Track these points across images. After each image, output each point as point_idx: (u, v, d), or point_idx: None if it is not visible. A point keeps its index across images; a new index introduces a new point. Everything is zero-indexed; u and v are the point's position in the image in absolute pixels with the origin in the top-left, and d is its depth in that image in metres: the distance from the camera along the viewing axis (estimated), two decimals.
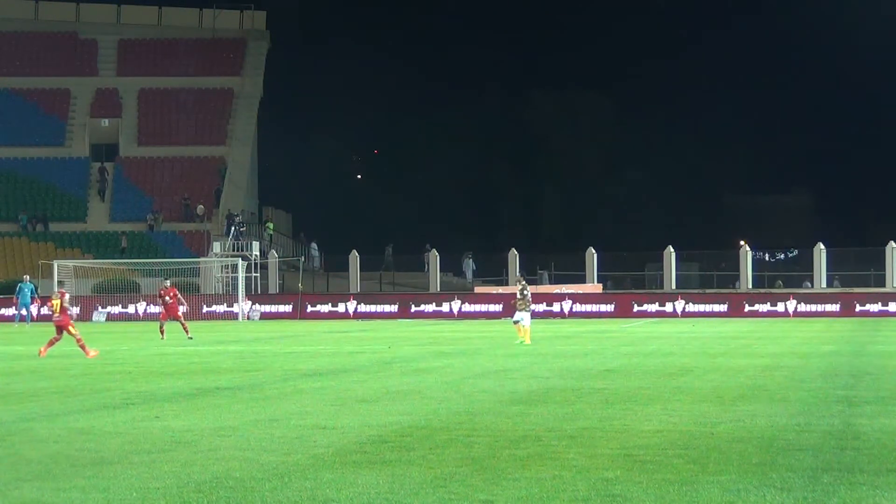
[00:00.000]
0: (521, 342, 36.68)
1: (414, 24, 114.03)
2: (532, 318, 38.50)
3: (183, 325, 43.13)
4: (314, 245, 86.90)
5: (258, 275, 74.22)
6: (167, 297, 43.85)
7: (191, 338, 41.97)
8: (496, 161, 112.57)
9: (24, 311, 61.26)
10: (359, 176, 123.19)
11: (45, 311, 46.76)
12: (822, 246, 71.83)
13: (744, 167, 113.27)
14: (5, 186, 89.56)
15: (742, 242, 77.79)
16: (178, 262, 73.47)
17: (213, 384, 23.16)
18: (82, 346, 31.63)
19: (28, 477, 12.55)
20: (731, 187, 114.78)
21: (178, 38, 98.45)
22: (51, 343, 32.41)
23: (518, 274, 39.96)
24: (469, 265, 79.61)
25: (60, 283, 36.93)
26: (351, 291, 72.52)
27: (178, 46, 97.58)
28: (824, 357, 30.07)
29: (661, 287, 72.98)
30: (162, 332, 43.20)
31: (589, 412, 17.74)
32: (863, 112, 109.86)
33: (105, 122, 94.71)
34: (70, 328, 32.13)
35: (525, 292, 37.31)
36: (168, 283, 46.76)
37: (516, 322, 37.44)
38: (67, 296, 33.69)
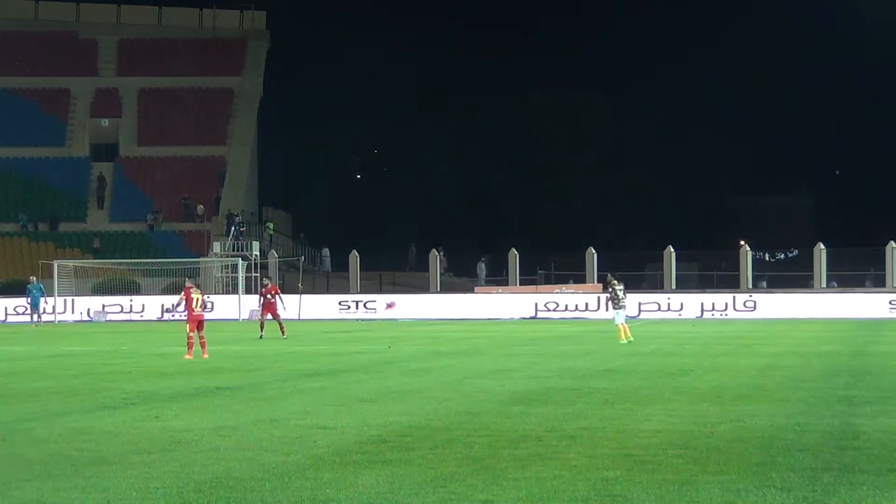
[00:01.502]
0: (629, 340, 36.36)
1: (414, 25, 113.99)
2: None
3: (280, 324, 43.30)
4: (325, 250, 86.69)
5: (258, 275, 74.17)
6: (268, 296, 43.94)
7: (286, 338, 42.04)
8: (496, 161, 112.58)
9: (35, 312, 61.55)
10: (358, 176, 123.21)
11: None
12: (822, 246, 71.82)
13: (744, 167, 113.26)
14: (5, 186, 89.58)
15: (742, 242, 77.78)
16: (178, 262, 73.45)
17: (213, 384, 23.16)
18: (190, 346, 31.23)
19: (28, 477, 12.55)
20: (731, 187, 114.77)
21: (178, 38, 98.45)
22: (201, 343, 31.43)
23: (610, 275, 40.13)
24: (482, 269, 79.62)
25: (192, 279, 37.22)
26: (351, 291, 72.54)
27: (178, 46, 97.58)
28: (824, 357, 30.07)
29: (662, 287, 72.98)
30: (262, 328, 43.50)
31: (589, 412, 17.74)
32: (863, 112, 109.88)
33: (105, 122, 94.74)
34: (202, 328, 31.51)
35: (619, 293, 37.22)
36: (269, 281, 47.11)
37: (619, 324, 37.23)
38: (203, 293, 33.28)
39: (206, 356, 31.28)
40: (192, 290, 32.24)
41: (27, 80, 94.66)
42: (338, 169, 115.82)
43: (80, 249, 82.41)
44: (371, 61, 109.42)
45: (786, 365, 27.07)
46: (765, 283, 75.29)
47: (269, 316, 43.77)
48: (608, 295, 37.45)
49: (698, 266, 79.67)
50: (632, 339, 37.05)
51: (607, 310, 37.74)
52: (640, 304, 65.60)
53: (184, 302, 32.27)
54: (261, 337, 42.53)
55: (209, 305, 32.93)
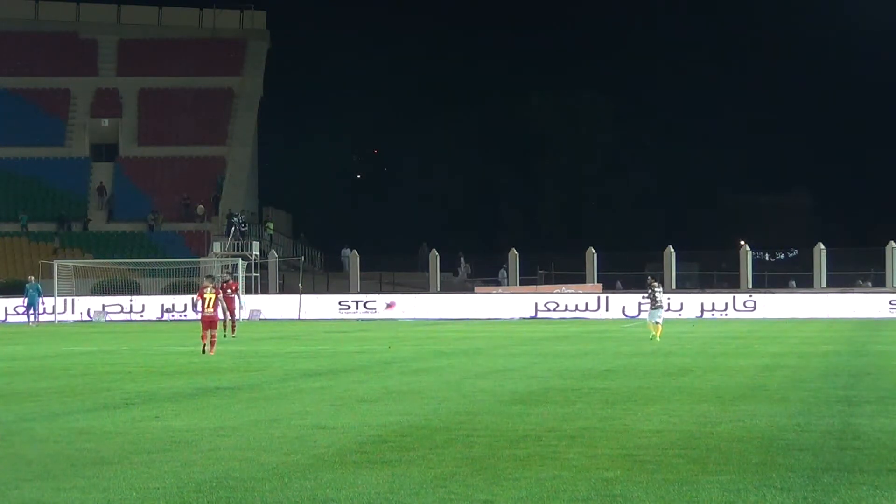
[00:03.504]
0: (653, 338, 38.25)
1: (414, 24, 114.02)
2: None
3: (234, 322, 43.35)
4: (346, 250, 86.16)
5: (258, 275, 74.23)
6: (228, 291, 44.02)
7: (234, 337, 42.20)
8: (496, 161, 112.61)
9: (31, 312, 61.61)
10: (359, 176, 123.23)
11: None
12: (822, 246, 71.82)
13: (744, 167, 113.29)
14: (5, 186, 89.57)
15: (742, 242, 77.79)
16: (178, 261, 73.49)
17: (213, 384, 23.15)
18: (208, 343, 31.95)
19: (28, 477, 12.54)
20: (731, 187, 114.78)
21: (178, 38, 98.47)
22: (211, 341, 32.24)
23: (651, 277, 44.46)
24: (504, 275, 79.57)
25: (210, 277, 37.90)
26: (351, 291, 72.53)
27: (178, 46, 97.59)
28: (824, 357, 30.07)
29: (662, 287, 72.91)
30: (225, 328, 43.21)
31: (589, 412, 17.74)
32: (863, 111, 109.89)
33: (105, 122, 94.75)
34: (216, 327, 32.37)
35: (656, 294, 39.50)
36: (230, 277, 47.18)
37: (656, 322, 39.33)
38: (221, 293, 34.03)
39: (210, 353, 31.85)
40: (205, 291, 32.87)
41: (27, 80, 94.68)
42: (338, 169, 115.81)
43: (80, 249, 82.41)
44: (371, 61, 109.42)
45: (786, 365, 27.06)
46: (794, 283, 74.80)
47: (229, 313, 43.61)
48: (646, 294, 40.55)
49: (698, 266, 79.69)
50: (657, 339, 38.06)
51: (644, 309, 39.76)
52: (640, 304, 65.65)
53: (199, 302, 32.97)
54: (224, 336, 42.28)
55: (221, 305, 33.59)
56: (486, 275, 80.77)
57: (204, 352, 31.89)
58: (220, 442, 14.88)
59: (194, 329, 45.63)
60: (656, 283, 40.54)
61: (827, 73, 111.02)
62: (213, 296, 32.60)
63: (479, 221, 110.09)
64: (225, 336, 41.74)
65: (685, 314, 64.11)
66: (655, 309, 39.41)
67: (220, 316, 33.56)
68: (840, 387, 21.50)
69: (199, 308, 32.85)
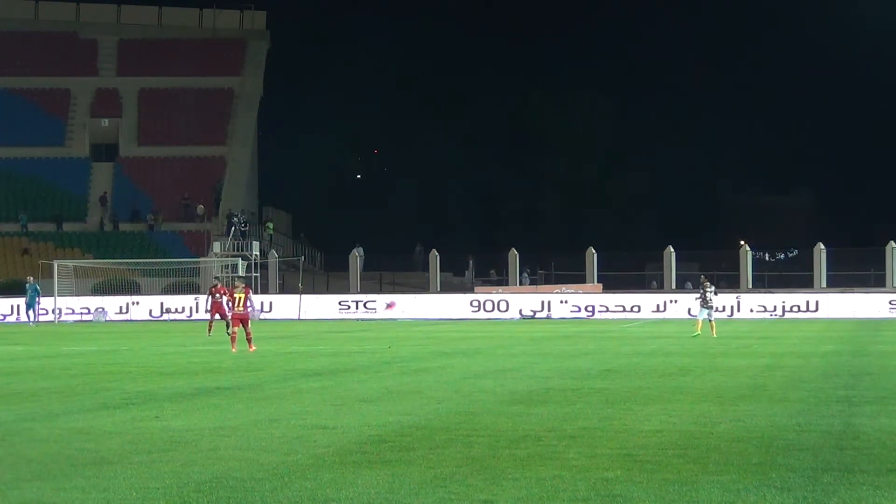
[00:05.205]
0: (696, 335, 39.95)
1: (414, 24, 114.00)
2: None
3: (227, 322, 43.82)
4: (360, 249, 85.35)
5: (258, 275, 74.23)
6: (216, 295, 45.33)
7: (210, 336, 43.09)
8: (496, 161, 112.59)
9: (30, 312, 61.63)
10: (358, 176, 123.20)
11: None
12: (822, 246, 71.81)
13: (744, 167, 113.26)
14: (5, 186, 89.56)
15: (742, 242, 77.77)
16: (178, 261, 73.48)
17: (213, 384, 23.16)
18: (249, 340, 33.67)
19: (28, 477, 12.55)
20: (731, 187, 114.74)
21: (178, 38, 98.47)
22: (234, 339, 33.91)
23: (703, 276, 46.83)
24: (527, 279, 79.29)
25: (240, 277, 39.42)
26: (351, 291, 72.52)
27: (178, 46, 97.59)
28: (824, 357, 30.08)
29: (662, 287, 72.98)
30: (210, 329, 44.69)
31: (589, 412, 17.74)
32: (863, 112, 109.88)
33: (105, 122, 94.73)
34: (248, 324, 33.83)
35: (708, 294, 41.55)
36: (217, 281, 48.26)
37: (707, 320, 41.46)
38: (251, 291, 35.67)
39: (252, 349, 33.38)
40: (236, 290, 34.41)
41: (27, 80, 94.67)
42: (338, 168, 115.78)
43: (80, 249, 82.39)
44: (371, 61, 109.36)
45: (786, 365, 27.07)
46: (822, 283, 74.46)
47: (218, 316, 44.55)
48: (699, 293, 42.53)
49: (698, 266, 79.64)
50: (714, 335, 39.92)
51: (699, 309, 42.57)
52: (640, 304, 65.64)
53: (230, 301, 35.35)
54: (209, 335, 43.27)
55: (253, 304, 35.75)
56: (485, 275, 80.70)
57: (231, 337, 33.88)
58: (220, 442, 14.88)
59: (196, 329, 45.71)
60: (708, 283, 42.52)
61: (828, 72, 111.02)
62: (244, 294, 33.88)
63: (479, 221, 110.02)
64: (210, 336, 42.52)
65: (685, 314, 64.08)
66: (706, 307, 41.29)
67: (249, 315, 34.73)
68: (840, 387, 21.51)
69: (231, 306, 35.00)
